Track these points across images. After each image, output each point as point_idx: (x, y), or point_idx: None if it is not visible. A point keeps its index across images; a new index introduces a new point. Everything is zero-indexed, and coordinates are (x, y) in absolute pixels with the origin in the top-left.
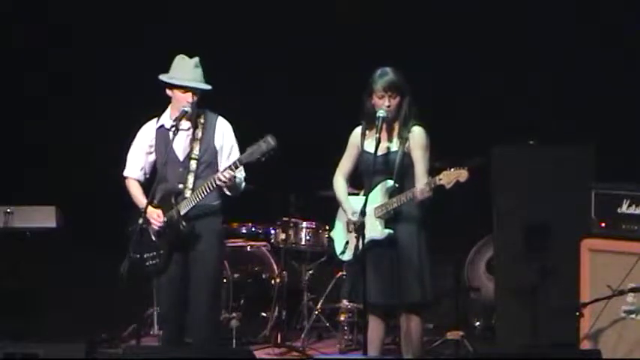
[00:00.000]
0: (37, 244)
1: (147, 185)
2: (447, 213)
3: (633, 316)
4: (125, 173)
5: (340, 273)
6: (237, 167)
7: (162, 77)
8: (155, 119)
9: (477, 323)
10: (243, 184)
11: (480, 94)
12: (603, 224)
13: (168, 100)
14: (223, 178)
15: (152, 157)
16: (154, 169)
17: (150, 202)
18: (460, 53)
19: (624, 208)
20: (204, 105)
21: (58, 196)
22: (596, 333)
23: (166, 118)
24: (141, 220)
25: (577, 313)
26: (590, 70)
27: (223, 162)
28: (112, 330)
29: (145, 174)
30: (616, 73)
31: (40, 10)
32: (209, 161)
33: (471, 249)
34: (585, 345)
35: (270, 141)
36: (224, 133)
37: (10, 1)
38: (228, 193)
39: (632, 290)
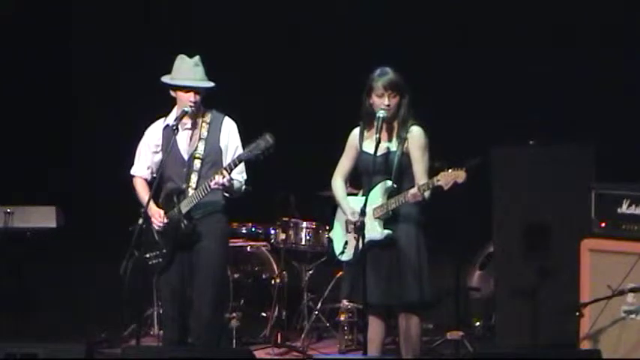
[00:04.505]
0: (37, 244)
1: (152, 183)
2: (447, 213)
3: (633, 316)
4: (132, 172)
5: (340, 273)
6: (235, 165)
7: (164, 79)
8: (162, 119)
9: (477, 323)
10: (244, 187)
11: (479, 94)
12: (603, 224)
13: (173, 100)
14: (219, 182)
15: (158, 156)
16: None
17: (149, 200)
18: (460, 53)
19: (624, 208)
20: (210, 104)
21: (58, 196)
22: (596, 333)
23: (172, 118)
24: (141, 221)
25: (577, 313)
26: (590, 69)
27: (227, 162)
28: (112, 330)
29: (151, 173)
30: (616, 72)
31: (41, 10)
32: (213, 161)
33: (476, 252)
34: (585, 345)
35: (268, 139)
36: (230, 134)
37: (10, 1)
38: (226, 194)
39: (632, 290)
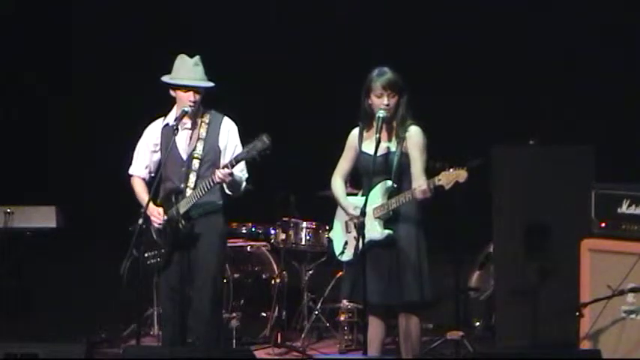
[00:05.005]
0: (37, 244)
1: (151, 183)
2: (447, 213)
3: (633, 316)
4: (130, 171)
5: (340, 273)
6: (232, 166)
7: (164, 78)
8: (161, 118)
9: (477, 323)
10: (244, 183)
11: (479, 94)
12: (603, 224)
13: (173, 100)
14: (220, 175)
15: (157, 156)
16: (159, 167)
17: (149, 201)
18: (460, 53)
19: (624, 208)
20: (209, 104)
21: (58, 196)
22: (596, 333)
23: (172, 118)
24: (141, 220)
25: (577, 313)
26: (590, 70)
27: (225, 162)
28: (112, 330)
29: (149, 172)
30: (616, 73)
31: (41, 10)
32: (212, 161)
33: (476, 252)
34: (585, 345)
35: (265, 140)
36: (229, 134)
37: (11, 1)
38: (228, 192)
39: (632, 290)
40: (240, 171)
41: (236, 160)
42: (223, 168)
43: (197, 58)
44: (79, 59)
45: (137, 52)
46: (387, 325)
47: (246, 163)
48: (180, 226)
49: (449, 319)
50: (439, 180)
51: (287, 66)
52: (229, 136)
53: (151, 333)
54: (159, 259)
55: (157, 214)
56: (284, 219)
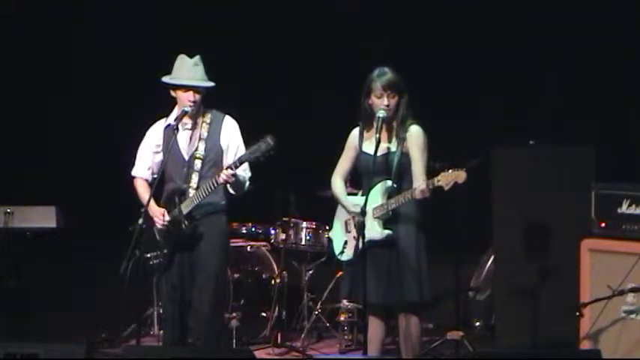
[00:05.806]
0: (37, 244)
1: (153, 184)
2: (447, 213)
3: (633, 316)
4: (133, 172)
5: (340, 273)
6: (237, 167)
7: (164, 79)
8: (163, 119)
9: (477, 323)
10: (248, 183)
11: (480, 94)
12: (603, 224)
13: (174, 101)
14: (224, 177)
15: (159, 157)
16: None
17: (149, 200)
18: (460, 53)
19: (624, 208)
20: (210, 104)
21: (58, 196)
22: (596, 333)
23: (173, 118)
24: (141, 220)
25: (577, 313)
26: (590, 70)
27: (228, 161)
28: (112, 330)
29: (152, 173)
30: (616, 73)
31: (41, 9)
32: (214, 160)
33: (476, 252)
34: (585, 345)
35: (269, 141)
36: (230, 133)
37: (11, 1)
38: (232, 191)
39: (632, 290)
40: (244, 170)
41: (240, 162)
42: (227, 169)
43: (197, 58)
44: (79, 59)
45: (137, 52)
46: (387, 325)
47: (249, 163)
48: (183, 226)
49: (449, 319)
50: (438, 181)
51: (287, 66)
52: (231, 135)
53: (151, 333)
54: (161, 260)
55: (160, 216)
56: (284, 219)
